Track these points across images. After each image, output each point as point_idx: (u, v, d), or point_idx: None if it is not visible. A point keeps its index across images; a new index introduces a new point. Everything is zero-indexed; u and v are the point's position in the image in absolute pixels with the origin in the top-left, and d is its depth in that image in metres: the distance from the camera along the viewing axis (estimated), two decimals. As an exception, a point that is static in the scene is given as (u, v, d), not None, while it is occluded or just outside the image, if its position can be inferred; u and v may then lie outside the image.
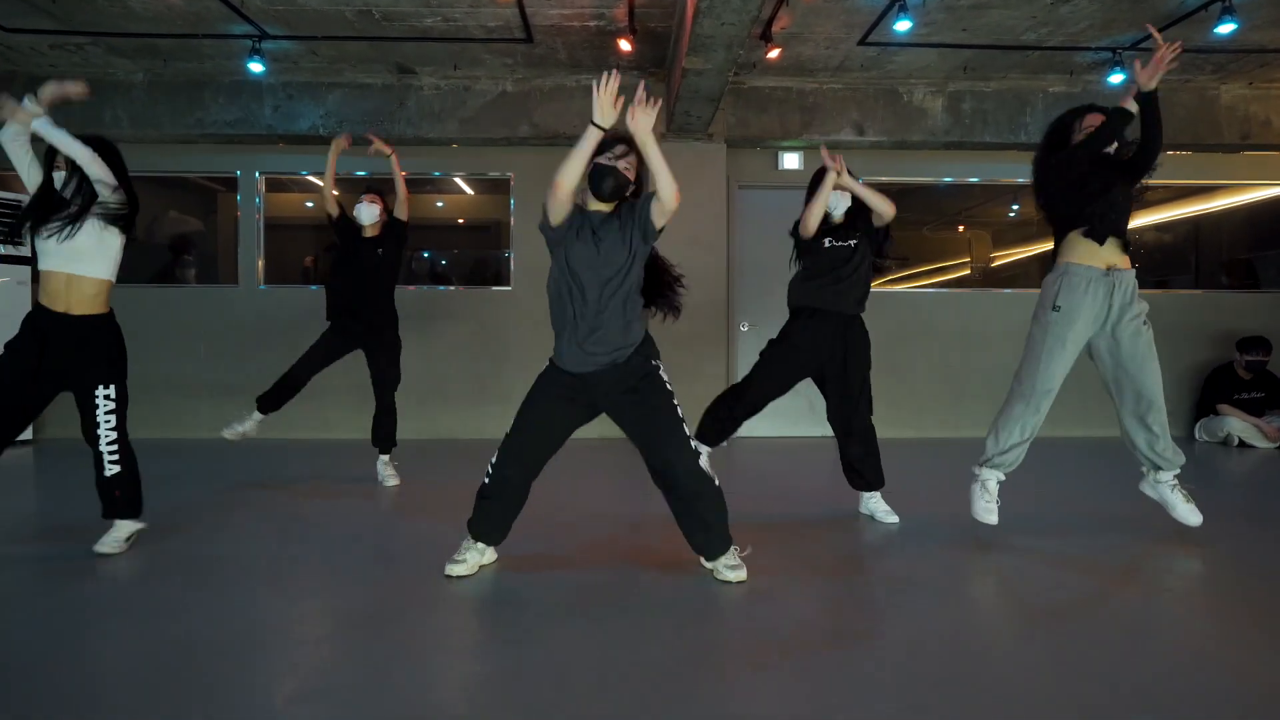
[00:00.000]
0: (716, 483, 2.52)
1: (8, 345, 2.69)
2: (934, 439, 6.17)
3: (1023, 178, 6.33)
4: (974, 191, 6.85)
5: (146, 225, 6.92)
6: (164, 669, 1.85)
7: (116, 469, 2.73)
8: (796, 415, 6.47)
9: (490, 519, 2.58)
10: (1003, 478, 2.98)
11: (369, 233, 4.13)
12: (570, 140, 5.96)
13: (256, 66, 5.22)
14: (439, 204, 8.37)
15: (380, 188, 4.26)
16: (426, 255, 8.02)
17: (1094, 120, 2.82)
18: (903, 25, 4.53)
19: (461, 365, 6.25)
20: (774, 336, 3.50)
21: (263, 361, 6.14)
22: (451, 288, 6.40)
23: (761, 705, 1.66)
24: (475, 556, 2.60)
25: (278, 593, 2.44)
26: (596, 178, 2.50)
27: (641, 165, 2.52)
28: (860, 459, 3.32)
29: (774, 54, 5.05)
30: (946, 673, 1.83)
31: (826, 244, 3.37)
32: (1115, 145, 2.81)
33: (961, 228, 7.82)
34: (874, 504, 3.36)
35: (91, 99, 5.91)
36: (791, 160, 6.27)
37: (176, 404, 6.12)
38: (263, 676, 1.85)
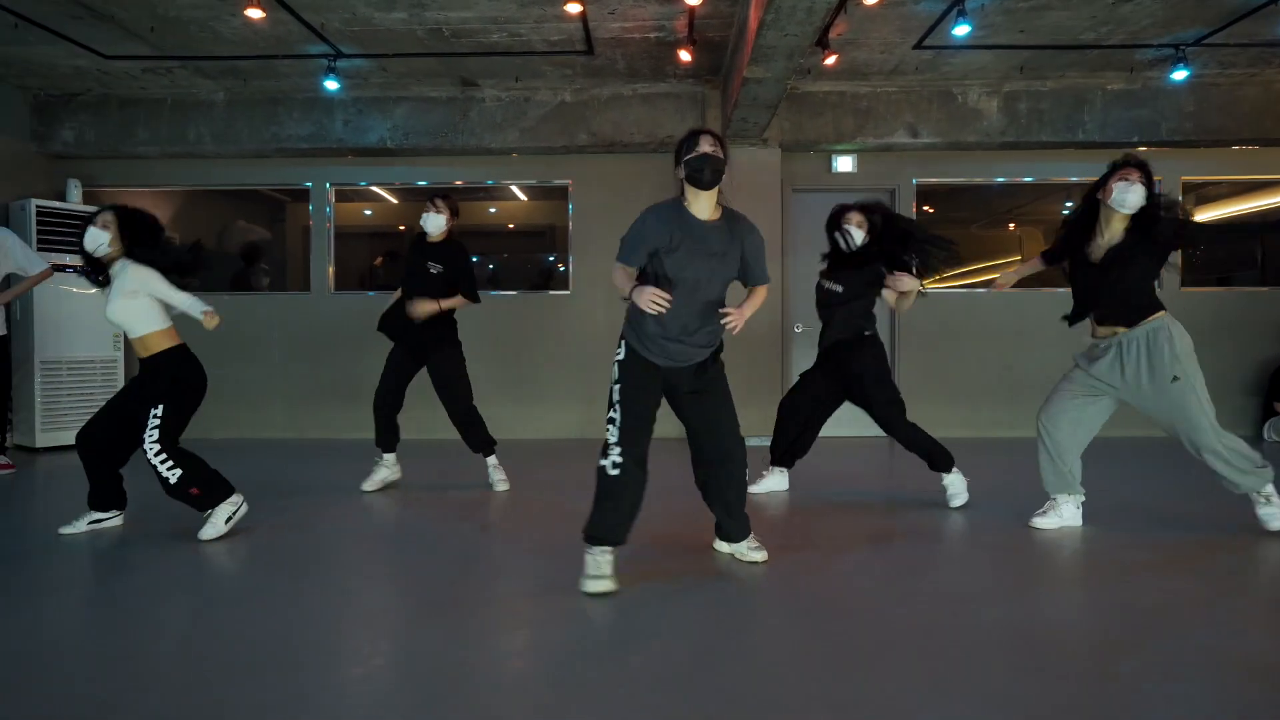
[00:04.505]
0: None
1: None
2: (988, 439, 6.17)
3: (1076, 176, 6.39)
4: (1025, 190, 6.82)
5: (217, 235, 7.30)
6: (259, 647, 2.04)
7: (179, 473, 3.08)
8: (850, 416, 6.53)
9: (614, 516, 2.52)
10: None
11: (433, 239, 4.04)
12: (626, 148, 6.16)
13: (332, 84, 5.48)
14: (492, 210, 8.62)
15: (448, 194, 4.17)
16: (475, 259, 8.26)
17: (1130, 173, 2.99)
18: (961, 30, 4.57)
19: (522, 368, 6.44)
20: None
21: (336, 365, 6.46)
22: (512, 293, 6.58)
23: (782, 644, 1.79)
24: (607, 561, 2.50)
25: (367, 582, 2.63)
26: (695, 169, 2.52)
27: (724, 147, 2.60)
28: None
29: (831, 60, 5.13)
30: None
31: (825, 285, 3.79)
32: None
33: (1012, 225, 7.77)
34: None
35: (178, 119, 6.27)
36: (845, 163, 6.33)
37: (252, 407, 6.44)
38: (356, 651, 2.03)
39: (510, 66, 5.72)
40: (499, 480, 4.18)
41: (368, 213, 7.98)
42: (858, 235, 3.63)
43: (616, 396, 2.56)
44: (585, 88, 6.10)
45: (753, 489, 3.98)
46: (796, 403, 3.90)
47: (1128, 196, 2.96)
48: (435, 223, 4.00)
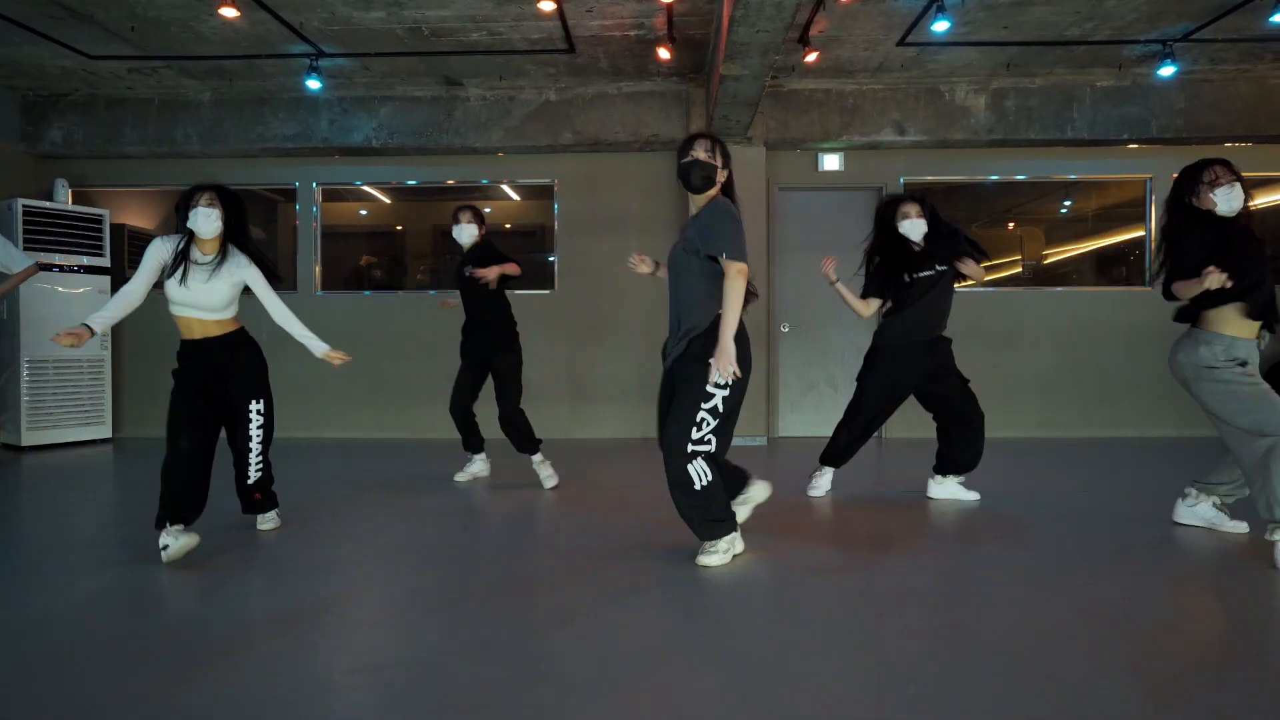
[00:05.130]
0: (698, 486, 2.62)
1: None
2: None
3: (1073, 174, 6.32)
4: (1022, 188, 6.75)
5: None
6: (231, 641, 2.03)
7: (260, 475, 3.18)
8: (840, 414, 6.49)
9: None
10: None
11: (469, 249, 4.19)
12: (611, 146, 6.14)
13: (314, 84, 5.49)
14: (486, 210, 8.62)
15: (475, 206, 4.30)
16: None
17: (1218, 173, 2.84)
18: (940, 26, 4.53)
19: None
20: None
21: (322, 365, 6.44)
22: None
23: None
24: (728, 545, 2.74)
25: (358, 576, 2.62)
26: (683, 173, 2.69)
27: (720, 151, 2.71)
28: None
29: (812, 57, 5.09)
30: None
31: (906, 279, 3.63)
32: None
33: (1012, 225, 7.70)
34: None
35: (166, 119, 6.30)
36: (832, 162, 6.29)
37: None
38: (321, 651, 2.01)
39: (493, 65, 5.71)
40: (547, 477, 4.21)
41: (363, 213, 7.99)
42: (920, 225, 3.61)
43: None
44: (569, 86, 6.09)
45: (814, 493, 3.92)
46: (886, 408, 3.78)
47: (1234, 203, 2.84)
48: (469, 233, 4.14)
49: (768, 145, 6.07)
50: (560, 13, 4.70)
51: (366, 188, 6.94)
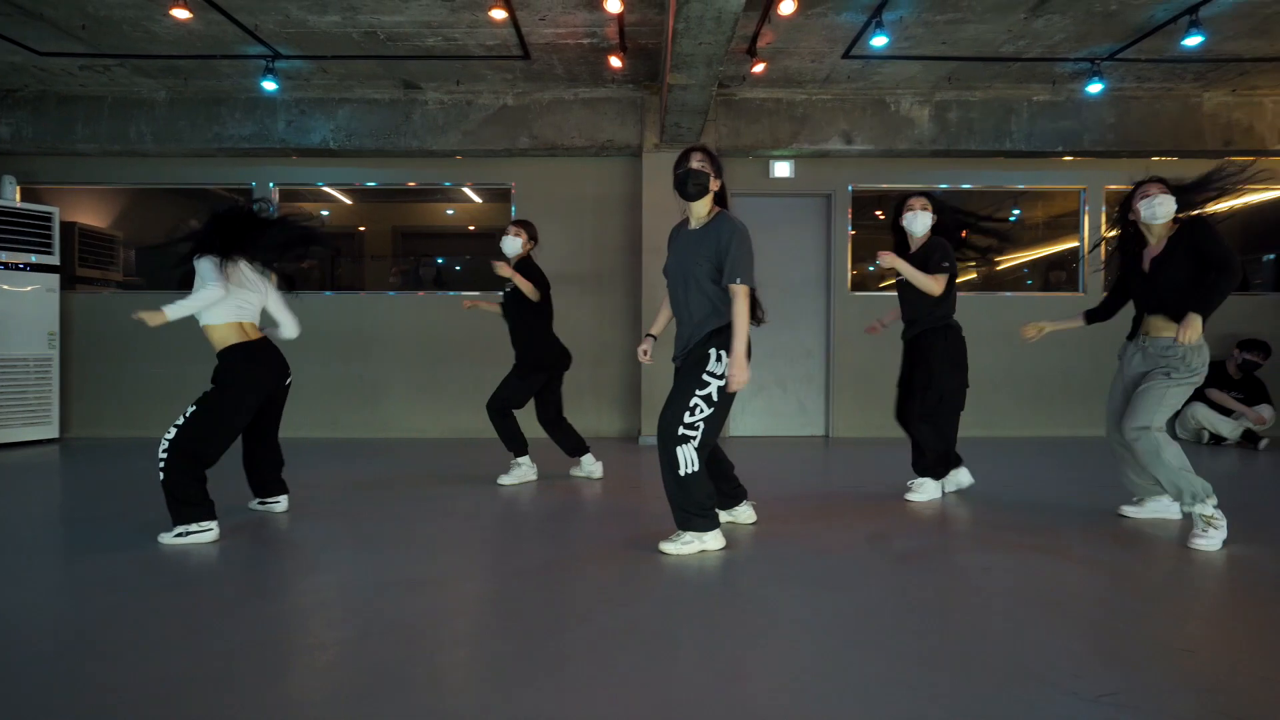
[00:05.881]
0: (682, 472, 2.77)
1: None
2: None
3: (1013, 184, 6.58)
4: (971, 197, 7.00)
5: (166, 234, 7.26)
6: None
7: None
8: (789, 415, 6.67)
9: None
10: None
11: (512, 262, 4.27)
12: (568, 151, 6.25)
13: (270, 85, 5.52)
14: (449, 211, 8.70)
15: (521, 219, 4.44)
16: (441, 261, 8.37)
17: (1150, 190, 3.20)
18: (879, 41, 4.73)
19: (469, 368, 6.50)
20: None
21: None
22: (451, 294, 6.63)
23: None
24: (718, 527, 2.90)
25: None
26: (679, 182, 2.86)
27: (712, 163, 2.88)
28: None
29: (759, 68, 5.26)
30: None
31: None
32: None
33: (964, 232, 7.96)
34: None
35: (118, 117, 6.26)
36: (783, 169, 6.47)
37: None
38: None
39: (451, 70, 5.78)
40: (592, 470, 4.46)
41: (325, 213, 8.00)
42: (923, 219, 3.76)
43: None
44: (526, 91, 6.19)
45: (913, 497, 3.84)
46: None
47: (1156, 210, 3.14)
48: (511, 245, 4.25)
49: (720, 152, 6.23)
50: (513, 20, 4.81)
51: (326, 188, 6.96)
